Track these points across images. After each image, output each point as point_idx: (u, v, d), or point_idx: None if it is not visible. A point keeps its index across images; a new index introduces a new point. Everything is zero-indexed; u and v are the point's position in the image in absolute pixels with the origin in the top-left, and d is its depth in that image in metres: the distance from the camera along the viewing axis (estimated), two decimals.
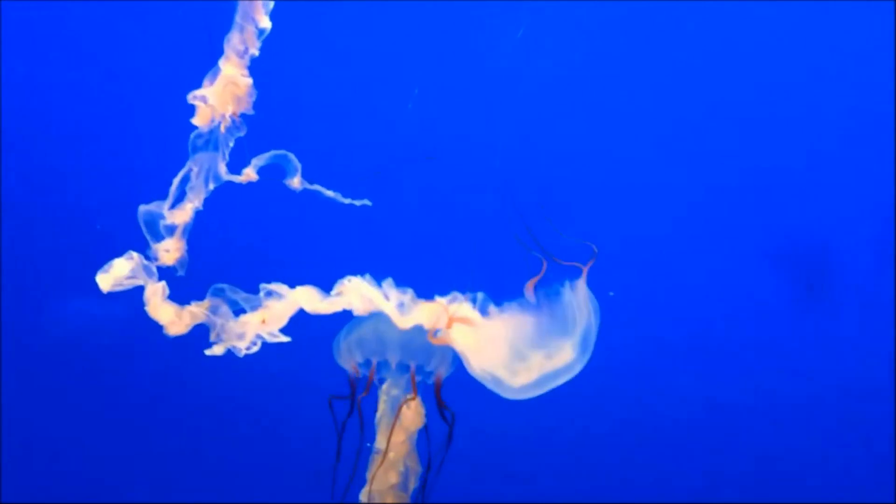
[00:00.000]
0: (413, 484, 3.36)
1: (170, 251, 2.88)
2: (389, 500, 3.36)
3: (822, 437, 5.57)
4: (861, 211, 5.41)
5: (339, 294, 2.93)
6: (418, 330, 3.17)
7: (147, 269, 2.95)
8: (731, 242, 5.45)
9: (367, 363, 3.29)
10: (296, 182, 2.99)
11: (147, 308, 2.95)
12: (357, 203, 3.06)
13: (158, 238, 2.89)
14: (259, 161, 2.97)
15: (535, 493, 5.56)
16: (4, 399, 5.26)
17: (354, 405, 3.25)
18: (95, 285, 2.85)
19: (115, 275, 2.92)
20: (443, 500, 3.40)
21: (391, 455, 3.32)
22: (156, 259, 2.89)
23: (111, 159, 5.16)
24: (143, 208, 2.88)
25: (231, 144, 2.92)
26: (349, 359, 3.31)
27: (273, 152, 2.98)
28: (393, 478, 3.35)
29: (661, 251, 5.42)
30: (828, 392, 5.53)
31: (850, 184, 5.39)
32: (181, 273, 2.91)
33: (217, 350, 2.97)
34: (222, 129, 2.89)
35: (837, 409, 5.53)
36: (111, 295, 2.91)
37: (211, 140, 2.90)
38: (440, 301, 2.95)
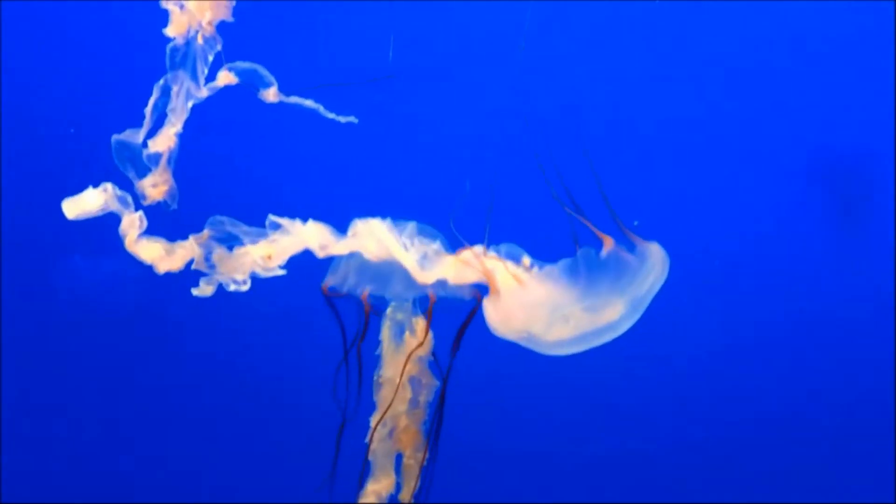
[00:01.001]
0: (426, 398, 3.15)
1: (157, 185, 2.57)
2: (402, 422, 3.15)
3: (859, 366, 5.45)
4: None
5: (353, 236, 2.64)
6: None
7: (122, 200, 2.64)
8: (765, 161, 5.26)
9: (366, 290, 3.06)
10: (271, 95, 2.68)
11: (125, 243, 2.65)
12: (342, 119, 2.76)
13: (141, 172, 2.57)
14: (230, 73, 2.65)
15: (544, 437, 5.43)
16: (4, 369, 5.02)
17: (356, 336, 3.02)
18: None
19: (83, 206, 2.60)
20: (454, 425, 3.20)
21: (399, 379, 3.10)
22: (144, 198, 2.58)
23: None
24: (116, 138, 2.55)
25: (211, 58, 2.59)
26: (342, 284, 3.05)
27: (240, 64, 2.66)
28: (401, 404, 3.15)
29: (693, 173, 5.21)
30: (861, 316, 5.41)
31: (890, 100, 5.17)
32: (174, 206, 2.61)
33: (206, 290, 2.68)
34: (199, 39, 2.55)
35: (872, 335, 5.41)
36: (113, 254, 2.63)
37: (189, 54, 2.56)
38: (470, 252, 2.65)
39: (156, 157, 2.57)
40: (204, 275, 2.71)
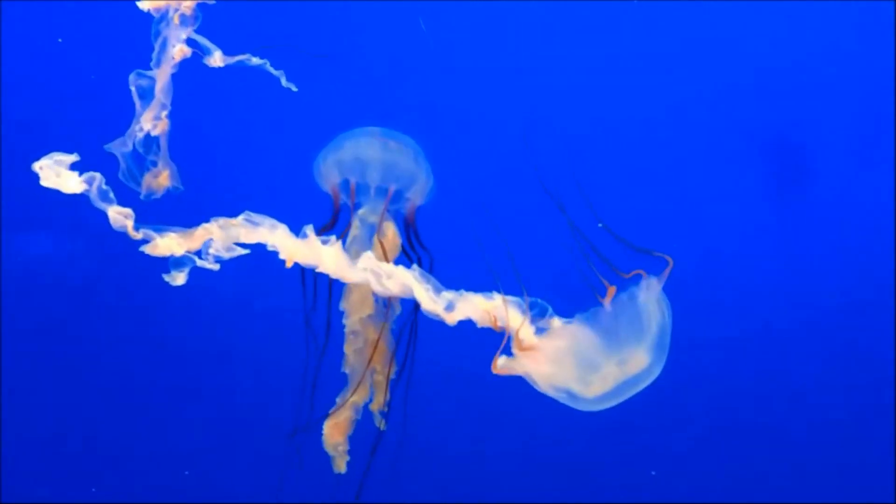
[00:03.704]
0: (395, 309, 3.32)
1: (158, 174, 2.55)
2: (371, 333, 3.33)
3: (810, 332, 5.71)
4: (838, 107, 5.40)
5: (368, 272, 2.70)
6: (400, 154, 3.15)
7: (104, 195, 2.58)
8: (708, 137, 5.37)
9: (346, 184, 3.19)
10: (217, 60, 2.69)
11: (129, 233, 2.61)
12: (284, 84, 2.82)
13: (142, 168, 2.54)
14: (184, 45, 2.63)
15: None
16: None
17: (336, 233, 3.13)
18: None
19: (60, 182, 2.54)
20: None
21: (364, 288, 3.24)
22: (152, 194, 2.55)
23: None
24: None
25: (183, 36, 2.56)
26: (329, 179, 3.20)
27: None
28: (368, 307, 3.30)
29: (639, 149, 5.29)
30: (803, 283, 5.61)
31: (829, 80, 5.36)
32: (181, 188, 2.59)
33: (178, 278, 2.68)
34: (176, 19, 2.52)
35: (806, 297, 5.63)
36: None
37: (167, 32, 2.53)
38: (495, 300, 2.70)
39: (151, 141, 2.54)
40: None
